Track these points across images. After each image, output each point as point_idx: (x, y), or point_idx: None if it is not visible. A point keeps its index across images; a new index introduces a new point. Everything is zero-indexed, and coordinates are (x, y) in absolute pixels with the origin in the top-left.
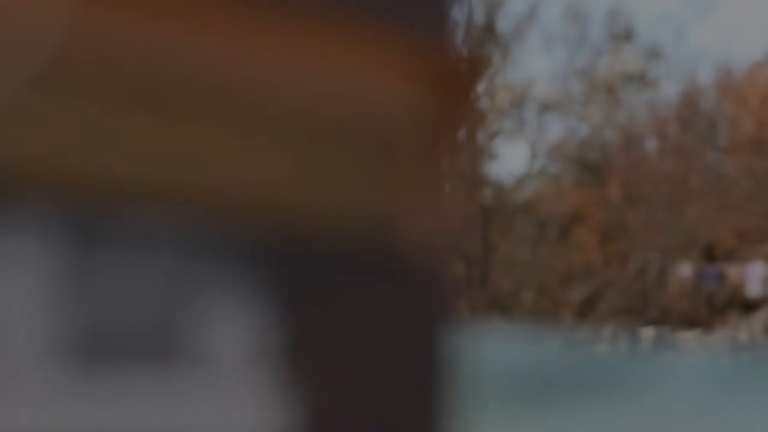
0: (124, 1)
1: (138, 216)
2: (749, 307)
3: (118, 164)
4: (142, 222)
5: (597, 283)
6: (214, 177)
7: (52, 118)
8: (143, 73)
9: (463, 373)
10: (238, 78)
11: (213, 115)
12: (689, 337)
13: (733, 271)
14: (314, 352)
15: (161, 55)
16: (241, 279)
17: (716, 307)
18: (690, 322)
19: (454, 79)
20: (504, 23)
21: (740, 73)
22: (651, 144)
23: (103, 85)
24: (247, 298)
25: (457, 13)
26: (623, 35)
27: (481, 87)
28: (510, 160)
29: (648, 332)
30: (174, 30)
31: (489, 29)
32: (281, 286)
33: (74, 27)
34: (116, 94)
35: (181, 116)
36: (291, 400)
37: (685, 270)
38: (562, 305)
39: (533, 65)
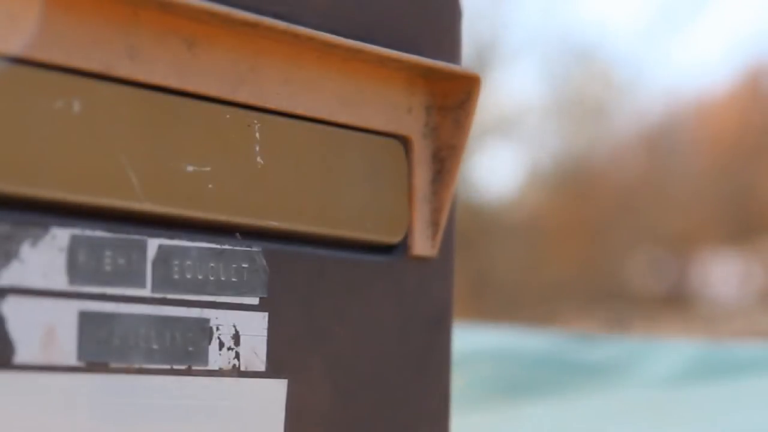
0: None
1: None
2: (707, 299)
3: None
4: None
5: (572, 278)
6: (228, 183)
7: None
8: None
9: (461, 363)
10: (251, 88)
11: (227, 125)
12: (651, 326)
13: (693, 266)
14: (325, 346)
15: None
16: (250, 279)
17: (676, 298)
18: (655, 312)
19: (459, 94)
20: (488, 44)
21: (708, 95)
22: (625, 155)
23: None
24: (257, 297)
25: (461, 33)
26: (597, 58)
27: (479, 103)
28: (496, 172)
29: (616, 321)
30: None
31: (476, 48)
32: (293, 285)
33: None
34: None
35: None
36: (297, 395)
37: (650, 263)
38: (544, 299)
39: (517, 84)
